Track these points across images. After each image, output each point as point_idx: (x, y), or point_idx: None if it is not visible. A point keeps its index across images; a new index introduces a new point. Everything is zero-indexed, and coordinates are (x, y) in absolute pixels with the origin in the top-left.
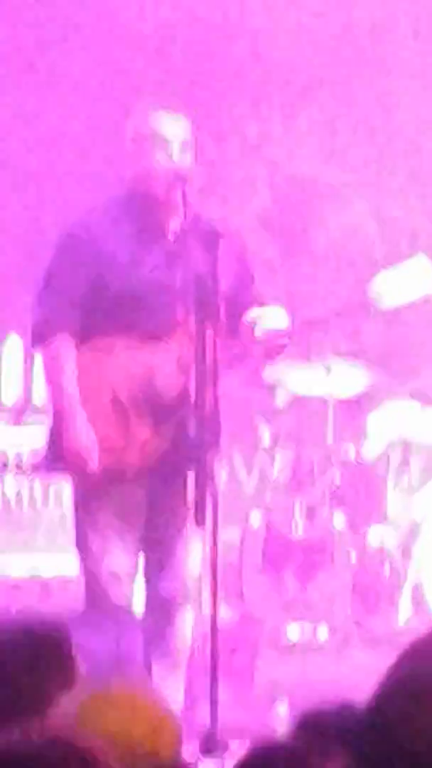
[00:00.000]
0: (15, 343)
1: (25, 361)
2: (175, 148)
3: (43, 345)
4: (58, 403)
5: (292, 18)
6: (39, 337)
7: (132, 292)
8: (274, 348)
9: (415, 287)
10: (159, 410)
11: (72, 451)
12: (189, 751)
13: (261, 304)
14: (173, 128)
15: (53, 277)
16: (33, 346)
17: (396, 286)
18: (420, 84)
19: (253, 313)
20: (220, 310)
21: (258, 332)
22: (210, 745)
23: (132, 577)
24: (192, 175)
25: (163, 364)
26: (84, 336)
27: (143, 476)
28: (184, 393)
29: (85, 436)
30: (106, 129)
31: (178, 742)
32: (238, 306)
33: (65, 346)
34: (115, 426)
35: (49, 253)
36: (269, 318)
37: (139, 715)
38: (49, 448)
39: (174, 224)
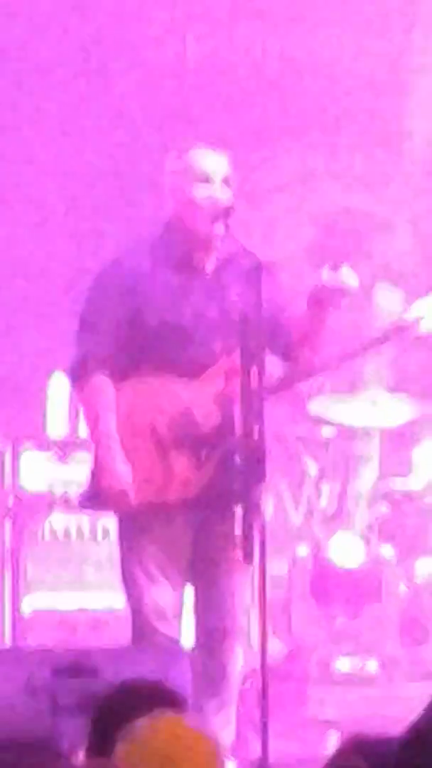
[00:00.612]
0: (61, 380)
1: (72, 398)
2: (216, 184)
3: (81, 384)
4: (96, 441)
5: (331, 51)
6: (77, 377)
7: (170, 328)
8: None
9: None
10: (199, 444)
11: (111, 489)
12: None
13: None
14: (213, 164)
15: (90, 315)
16: (72, 385)
17: None
18: None
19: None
20: (262, 343)
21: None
22: None
23: (178, 611)
24: (233, 210)
25: (202, 399)
26: (122, 372)
27: (187, 510)
28: (224, 427)
29: (123, 475)
30: (144, 164)
31: (221, 759)
32: (276, 340)
33: (103, 385)
34: (155, 460)
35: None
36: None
37: (181, 742)
38: (90, 485)
39: (214, 259)
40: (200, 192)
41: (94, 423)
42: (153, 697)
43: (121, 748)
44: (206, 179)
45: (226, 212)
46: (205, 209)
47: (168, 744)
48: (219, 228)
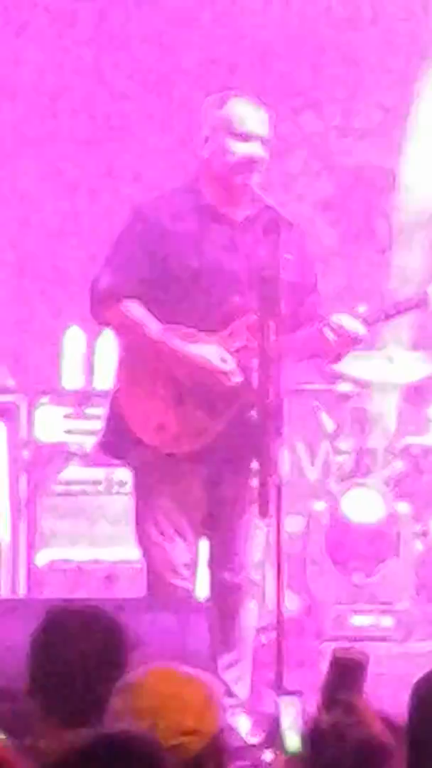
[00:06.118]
0: (77, 334)
1: (87, 352)
2: (257, 140)
3: (112, 308)
4: (156, 340)
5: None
6: (106, 302)
7: (194, 278)
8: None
9: None
10: (216, 396)
11: (209, 371)
12: (255, 739)
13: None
14: (256, 120)
15: (122, 251)
16: (99, 310)
17: None
18: None
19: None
20: (281, 300)
21: (330, 336)
22: (276, 735)
23: (192, 566)
24: (265, 166)
25: (221, 351)
26: None
27: (200, 463)
28: (243, 382)
29: (210, 351)
30: (167, 115)
31: (215, 706)
32: (298, 298)
33: (137, 304)
34: (171, 407)
35: (110, 244)
36: (348, 324)
37: (171, 691)
38: (106, 432)
39: (244, 212)
40: (239, 147)
41: (143, 332)
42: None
43: (114, 701)
44: (247, 135)
45: (259, 167)
46: (242, 164)
47: (157, 694)
48: (252, 183)
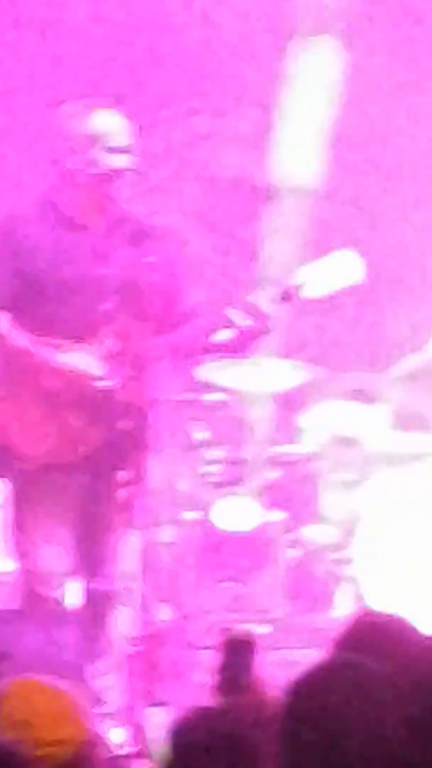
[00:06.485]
0: None
1: None
2: (125, 150)
3: None
4: (27, 351)
5: (225, 22)
6: None
7: (57, 288)
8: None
9: (339, 277)
10: (90, 406)
11: (76, 376)
12: (128, 750)
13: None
14: (123, 131)
15: None
16: None
17: (319, 276)
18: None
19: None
20: (148, 306)
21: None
22: (147, 745)
23: (65, 575)
24: (128, 174)
25: (89, 361)
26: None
27: (76, 473)
28: (112, 390)
29: (82, 355)
30: (33, 123)
31: (81, 717)
32: (167, 301)
33: (1, 318)
34: (45, 420)
35: None
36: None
37: (34, 704)
38: None
39: (105, 220)
40: (112, 160)
41: (6, 341)
42: None
43: None
44: (119, 148)
45: (121, 175)
46: (114, 177)
47: (21, 706)
48: (117, 193)
